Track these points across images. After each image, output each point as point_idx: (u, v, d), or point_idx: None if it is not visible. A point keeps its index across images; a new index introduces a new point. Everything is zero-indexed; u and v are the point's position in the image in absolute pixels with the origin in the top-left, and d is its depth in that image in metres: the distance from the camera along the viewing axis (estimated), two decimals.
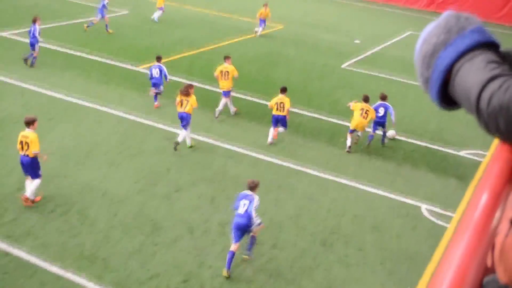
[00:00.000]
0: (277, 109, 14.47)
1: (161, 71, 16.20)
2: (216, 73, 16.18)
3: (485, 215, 1.07)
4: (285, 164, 13.52)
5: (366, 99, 14.73)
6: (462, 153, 15.48)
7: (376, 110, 14.99)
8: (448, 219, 11.84)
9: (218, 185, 12.20)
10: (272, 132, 14.51)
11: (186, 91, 13.68)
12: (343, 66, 22.60)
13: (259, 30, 25.81)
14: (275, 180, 12.70)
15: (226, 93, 16.11)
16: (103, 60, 19.57)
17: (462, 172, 14.28)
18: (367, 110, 14.53)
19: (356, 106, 14.64)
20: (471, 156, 15.29)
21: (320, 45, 25.70)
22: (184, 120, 13.58)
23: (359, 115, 14.44)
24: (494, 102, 1.16)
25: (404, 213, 12.05)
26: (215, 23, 27.55)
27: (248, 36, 25.55)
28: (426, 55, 1.31)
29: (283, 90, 14.78)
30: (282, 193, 12.22)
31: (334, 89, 19.53)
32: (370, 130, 15.25)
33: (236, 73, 16.19)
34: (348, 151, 14.53)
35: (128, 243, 9.93)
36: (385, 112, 15.07)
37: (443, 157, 15.08)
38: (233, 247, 9.45)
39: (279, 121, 14.55)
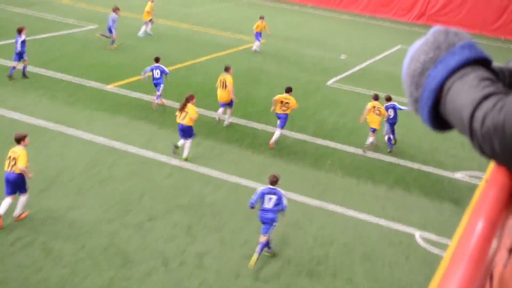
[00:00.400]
0: (280, 107, 15.87)
1: (161, 71, 17.77)
2: (217, 83, 17.13)
3: (481, 244, 1.08)
4: None
5: (376, 98, 16.40)
6: (457, 175, 15.63)
7: (387, 109, 16.61)
8: (443, 247, 11.90)
9: (195, 213, 12.15)
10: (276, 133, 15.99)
11: (185, 101, 14.11)
12: (328, 83, 22.80)
13: (255, 44, 26.10)
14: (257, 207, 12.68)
15: (223, 105, 16.97)
16: (70, 79, 19.51)
17: (458, 196, 14.40)
18: (379, 108, 16.17)
19: (368, 106, 16.27)
20: (467, 179, 15.45)
21: (304, 61, 25.92)
22: (185, 133, 14.21)
23: (372, 113, 16.13)
24: (488, 122, 1.17)
25: (396, 241, 12.09)
26: (191, 38, 27.68)
27: (226, 52, 25.69)
28: (414, 74, 1.32)
29: (288, 90, 16.20)
30: None
31: (319, 108, 19.66)
32: (385, 136, 16.81)
33: (231, 86, 16.72)
34: (363, 151, 16.20)
35: (97, 278, 9.81)
36: (395, 113, 16.55)
37: (437, 180, 15.21)
38: (263, 238, 10.63)
39: (279, 119, 15.92)
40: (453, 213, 13.46)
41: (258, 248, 10.59)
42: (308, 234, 11.91)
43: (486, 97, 1.20)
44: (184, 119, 14.05)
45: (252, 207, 10.70)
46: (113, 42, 23.98)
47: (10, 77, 18.70)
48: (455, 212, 13.52)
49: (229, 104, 16.89)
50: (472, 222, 1.14)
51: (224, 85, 16.67)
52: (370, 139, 16.35)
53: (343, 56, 27.56)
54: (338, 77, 23.83)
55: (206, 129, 16.39)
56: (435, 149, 17.29)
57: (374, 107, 16.15)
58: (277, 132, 15.90)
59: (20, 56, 18.63)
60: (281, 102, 15.91)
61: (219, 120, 17.10)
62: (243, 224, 11.90)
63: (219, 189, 13.28)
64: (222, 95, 16.74)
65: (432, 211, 13.55)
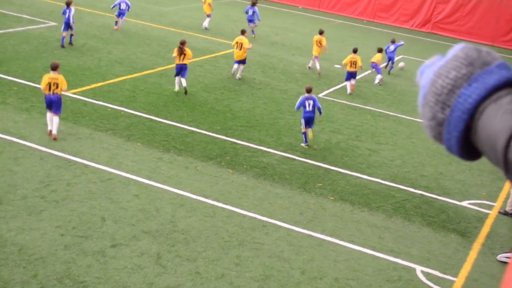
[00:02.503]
0: (350, 66, 23.41)
1: (127, 4, 27.45)
2: (233, 43, 23.69)
3: None
4: (249, 214, 13.53)
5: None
6: (464, 203, 15.77)
7: (388, 47, 26.86)
8: (448, 284, 11.97)
9: (165, 239, 12.10)
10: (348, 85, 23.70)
11: (181, 45, 20.25)
12: (320, 95, 22.96)
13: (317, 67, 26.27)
14: (237, 234, 12.68)
15: (238, 62, 23.28)
16: (23, 82, 19.43)
17: (464, 227, 14.52)
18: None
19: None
20: (475, 207, 15.59)
21: (293, 70, 26.09)
22: (185, 71, 20.30)
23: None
24: None
25: (395, 276, 12.15)
26: (164, 40, 27.74)
27: (204, 57, 25.78)
28: (442, 92, 1.32)
29: (355, 51, 23.96)
30: (245, 251, 12.19)
31: None
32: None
33: (248, 45, 23.17)
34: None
35: None
36: (395, 48, 26.92)
37: (441, 208, 15.33)
38: (308, 130, 17.48)
39: (351, 75, 23.82)
40: (459, 246, 13.56)
41: (304, 137, 17.56)
42: (295, 267, 11.91)
43: None
44: (183, 59, 20.14)
45: (297, 110, 17.77)
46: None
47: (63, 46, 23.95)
48: (462, 245, 13.62)
49: (242, 61, 23.28)
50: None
51: (240, 46, 22.97)
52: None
53: (338, 65, 27.79)
54: (331, 89, 24.02)
55: (180, 144, 16.40)
56: (440, 173, 17.45)
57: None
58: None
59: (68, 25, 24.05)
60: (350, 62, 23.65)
61: (233, 73, 23.57)
62: (220, 255, 11.88)
63: (194, 213, 13.26)
64: (238, 54, 23.14)
65: (436, 243, 13.65)
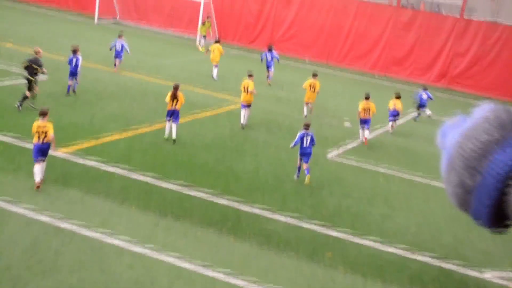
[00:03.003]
0: (364, 114, 25.12)
1: (122, 45, 29.17)
2: (241, 87, 25.03)
3: None
4: (252, 287, 13.41)
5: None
6: (487, 276, 15.63)
7: (420, 95, 31.20)
8: None
9: None
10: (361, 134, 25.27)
11: (175, 90, 21.77)
12: (329, 156, 23.02)
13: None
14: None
15: (245, 106, 24.61)
16: (10, 140, 19.53)
17: None
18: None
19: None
20: (498, 280, 15.44)
21: (299, 128, 26.14)
22: (177, 116, 21.46)
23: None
24: None
25: None
26: (162, 95, 27.89)
27: (205, 114, 25.96)
28: (471, 157, 1.30)
29: (367, 97, 25.75)
30: None
31: (317, 186, 19.77)
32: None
33: (253, 88, 24.64)
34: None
35: None
36: (428, 97, 30.97)
37: (461, 281, 15.19)
38: (304, 165, 19.36)
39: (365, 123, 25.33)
40: None
41: (306, 171, 19.29)
42: None
43: None
44: (176, 105, 21.44)
45: (293, 147, 19.73)
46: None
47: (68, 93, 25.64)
48: None
49: (249, 105, 24.66)
50: None
51: (247, 90, 24.45)
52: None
53: (348, 123, 27.93)
54: (341, 149, 24.08)
55: (177, 208, 16.37)
56: (460, 242, 17.34)
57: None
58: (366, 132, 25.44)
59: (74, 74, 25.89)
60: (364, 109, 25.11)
61: (243, 123, 24.76)
62: None
63: (192, 285, 13.14)
64: (245, 98, 24.58)
65: None
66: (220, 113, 26.63)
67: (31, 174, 17.02)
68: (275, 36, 45.67)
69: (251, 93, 24.55)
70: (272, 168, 20.81)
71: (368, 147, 24.80)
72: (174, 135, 21.45)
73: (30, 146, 19.14)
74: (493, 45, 41.20)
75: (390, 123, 27.93)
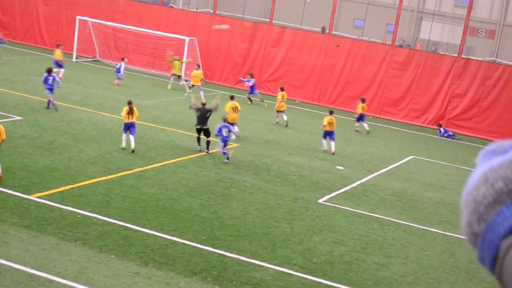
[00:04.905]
0: (329, 127, 29.93)
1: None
2: (227, 109, 29.63)
3: None
4: None
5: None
6: None
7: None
8: None
9: None
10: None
11: (130, 105, 25.50)
12: (320, 201, 23.10)
13: None
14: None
15: (232, 124, 28.24)
16: None
17: None
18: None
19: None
20: None
21: (289, 172, 26.32)
22: (134, 128, 25.17)
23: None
24: None
25: None
26: (143, 137, 28.08)
27: (188, 156, 26.06)
28: (481, 202, 1.25)
29: (331, 113, 31.19)
30: None
31: (308, 233, 19.81)
32: None
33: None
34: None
35: None
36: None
37: None
38: (223, 149, 25.77)
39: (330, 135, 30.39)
40: None
41: (222, 151, 25.66)
42: None
43: None
44: (133, 118, 25.17)
45: (217, 136, 25.76)
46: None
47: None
48: None
49: (235, 123, 29.45)
50: None
51: (236, 110, 29.75)
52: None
53: (340, 167, 28.08)
54: (333, 194, 24.17)
55: (159, 256, 16.36)
56: None
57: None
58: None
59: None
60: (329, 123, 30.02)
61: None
62: None
63: None
64: (234, 117, 29.52)
65: None
66: (205, 155, 26.71)
67: (3, 221, 17.04)
68: (263, 76, 46.09)
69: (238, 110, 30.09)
70: (260, 213, 20.86)
71: (362, 191, 24.93)
72: (133, 145, 24.94)
73: (3, 190, 19.18)
74: (493, 86, 41.64)
75: (357, 124, 37.46)
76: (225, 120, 26.42)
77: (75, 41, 47.52)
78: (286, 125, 35.72)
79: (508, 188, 1.20)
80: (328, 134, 30.42)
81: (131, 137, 25.07)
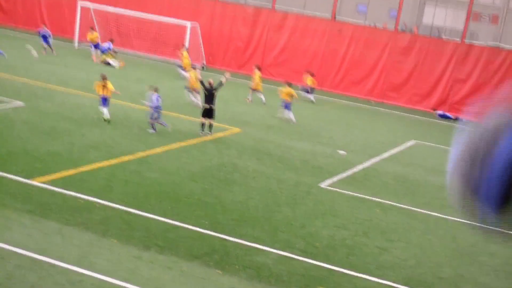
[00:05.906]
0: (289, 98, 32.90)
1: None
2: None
3: None
4: None
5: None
6: None
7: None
8: None
9: None
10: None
11: (104, 81, 27.36)
12: (322, 185, 23.12)
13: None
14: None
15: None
16: None
17: None
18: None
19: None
20: None
21: (291, 157, 26.33)
22: (108, 101, 26.98)
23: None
24: None
25: None
26: (146, 122, 28.07)
27: (191, 141, 26.07)
28: (481, 148, 1.35)
29: (290, 85, 33.69)
30: None
31: (310, 218, 19.84)
32: None
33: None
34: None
35: None
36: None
37: None
38: (155, 115, 26.97)
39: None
40: None
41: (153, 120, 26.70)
42: None
43: None
44: (107, 92, 27.01)
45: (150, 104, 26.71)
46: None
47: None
48: None
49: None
50: None
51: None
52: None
53: (342, 151, 28.09)
54: (335, 179, 24.19)
55: (162, 240, 16.39)
56: (460, 276, 17.39)
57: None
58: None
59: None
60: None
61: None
62: None
63: None
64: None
65: None
66: (208, 140, 26.73)
67: (5, 206, 17.09)
68: (266, 61, 46.02)
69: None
70: (262, 198, 20.88)
71: (364, 176, 24.93)
72: (108, 116, 26.99)
73: (4, 176, 19.22)
74: (495, 71, 41.58)
75: (309, 96, 40.23)
76: (156, 89, 27.51)
77: (76, 27, 47.44)
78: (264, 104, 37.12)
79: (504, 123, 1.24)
80: (288, 106, 33.10)
81: (105, 110, 26.93)
